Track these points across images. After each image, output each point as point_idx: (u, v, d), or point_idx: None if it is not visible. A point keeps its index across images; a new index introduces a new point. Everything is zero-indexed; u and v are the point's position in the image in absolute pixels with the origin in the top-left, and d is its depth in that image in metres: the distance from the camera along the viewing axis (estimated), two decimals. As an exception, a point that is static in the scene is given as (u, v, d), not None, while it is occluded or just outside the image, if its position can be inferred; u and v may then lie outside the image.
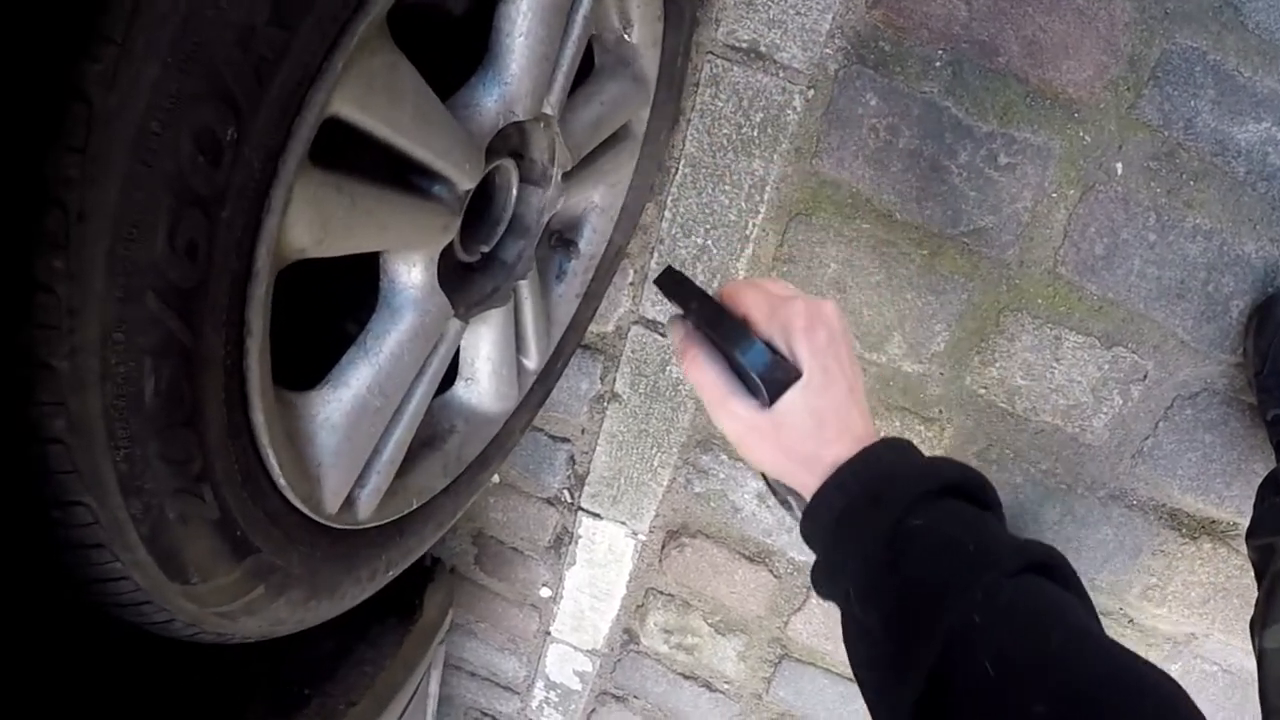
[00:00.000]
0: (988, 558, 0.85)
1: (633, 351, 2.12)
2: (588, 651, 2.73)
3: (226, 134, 0.69)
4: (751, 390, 0.98)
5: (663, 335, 2.09)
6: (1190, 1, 1.55)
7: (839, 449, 0.94)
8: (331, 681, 1.65)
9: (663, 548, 2.42)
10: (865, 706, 0.90)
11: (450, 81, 1.08)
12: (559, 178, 1.37)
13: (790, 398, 0.95)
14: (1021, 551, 0.86)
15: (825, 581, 0.97)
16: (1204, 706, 0.71)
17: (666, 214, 1.94)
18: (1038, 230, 1.77)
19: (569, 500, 2.41)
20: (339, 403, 1.05)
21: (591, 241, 1.69)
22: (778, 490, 1.09)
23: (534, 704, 2.98)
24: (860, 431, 0.96)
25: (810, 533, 0.97)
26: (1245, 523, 1.84)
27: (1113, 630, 2.13)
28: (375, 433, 1.14)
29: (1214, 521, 1.97)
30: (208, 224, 0.70)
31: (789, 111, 1.80)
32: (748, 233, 1.92)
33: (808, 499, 0.97)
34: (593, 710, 2.90)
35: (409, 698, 1.90)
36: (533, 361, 1.61)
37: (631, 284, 2.05)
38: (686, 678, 2.66)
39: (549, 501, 2.45)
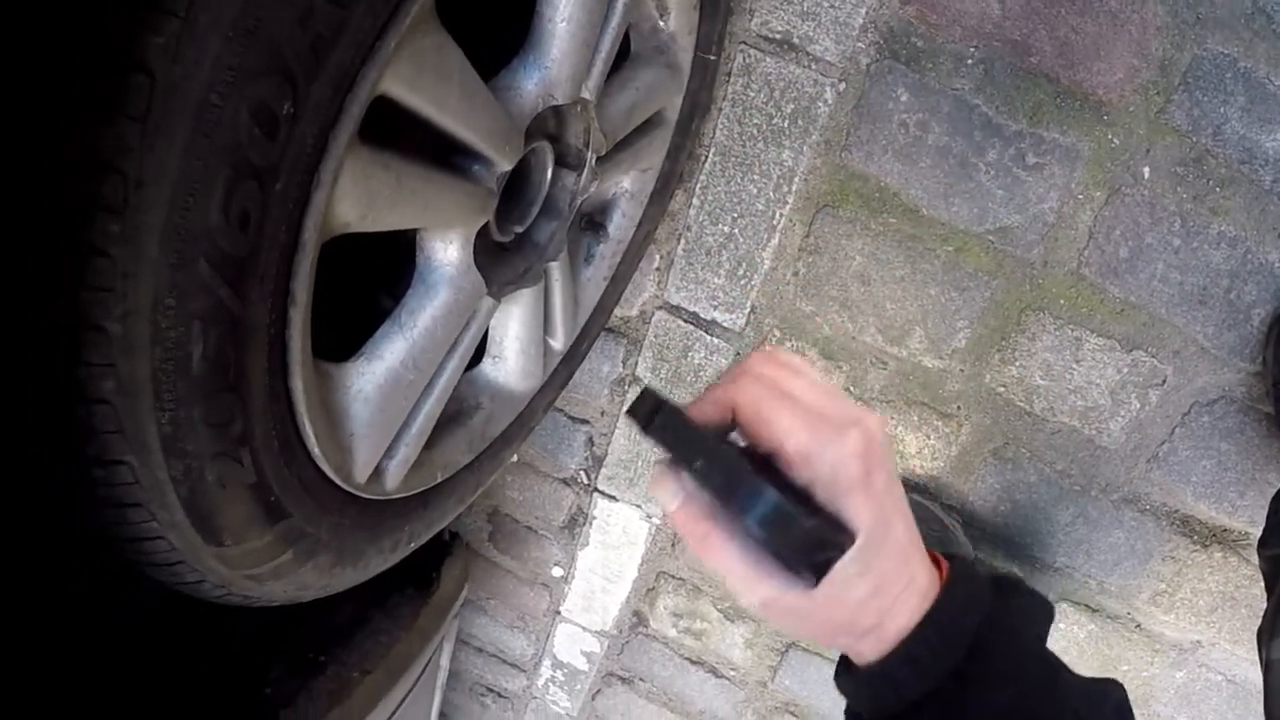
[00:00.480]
0: None
1: (655, 336, 2.14)
2: (596, 632, 2.74)
3: (283, 108, 0.70)
4: (781, 561, 0.77)
5: (686, 322, 2.10)
6: (1222, 7, 1.56)
7: (906, 612, 0.79)
8: (347, 649, 1.67)
9: (676, 532, 2.43)
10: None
11: (488, 64, 1.09)
12: (593, 162, 1.38)
13: (844, 568, 0.75)
14: (1104, 697, 0.83)
15: None
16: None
17: (695, 201, 1.96)
18: (1063, 231, 1.78)
19: (585, 481, 2.43)
20: (373, 375, 1.07)
21: (620, 226, 1.70)
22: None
23: (540, 682, 2.99)
24: (923, 580, 0.81)
25: (863, 699, 0.84)
26: (1257, 532, 1.85)
27: (1120, 635, 2.14)
28: (406, 406, 1.16)
29: (1226, 530, 1.97)
30: (261, 195, 0.72)
31: (820, 104, 1.81)
32: (775, 222, 1.93)
33: (858, 661, 0.84)
34: (598, 691, 2.91)
35: (421, 669, 1.92)
36: (559, 342, 1.63)
37: (657, 269, 2.06)
38: (693, 663, 2.67)
39: (565, 482, 2.47)
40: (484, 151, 1.07)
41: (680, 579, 2.50)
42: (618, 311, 2.11)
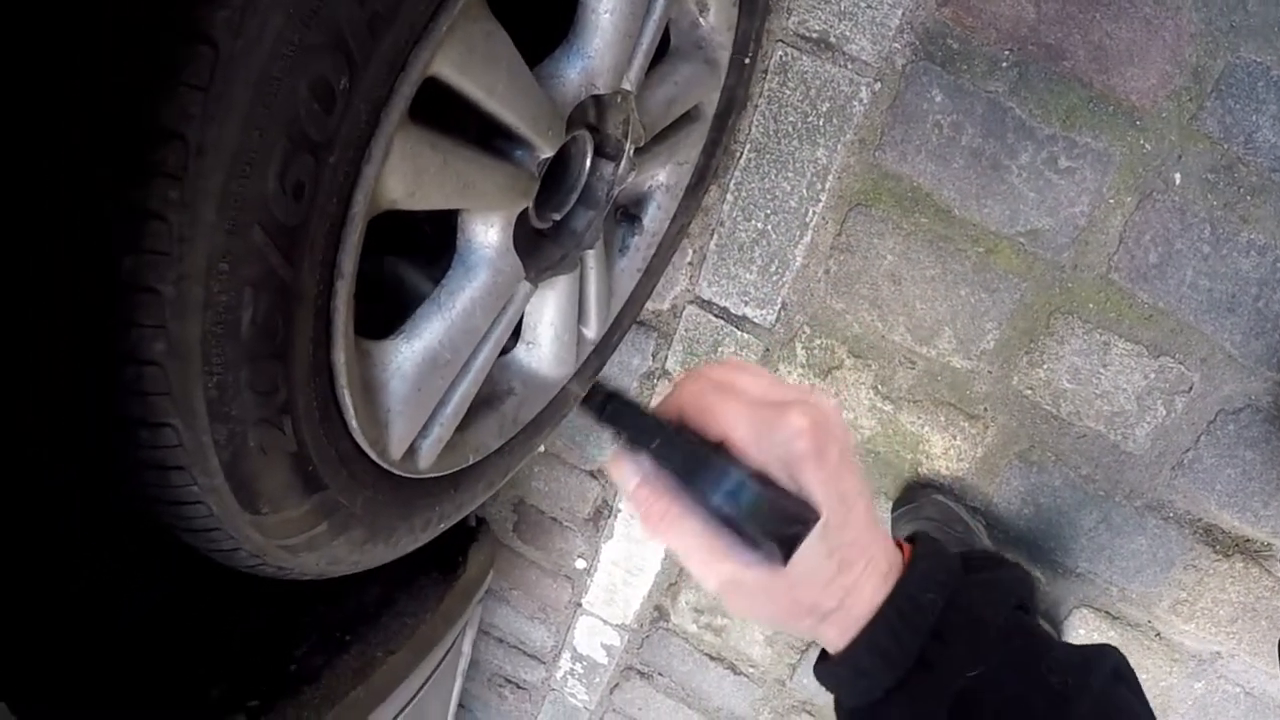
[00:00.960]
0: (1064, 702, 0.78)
1: (686, 330, 2.15)
2: (617, 626, 2.76)
3: (340, 84, 0.72)
4: (745, 539, 0.74)
5: (717, 317, 2.11)
6: (1256, 16, 1.57)
7: (868, 592, 0.79)
8: (373, 629, 1.68)
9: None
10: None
11: (532, 52, 1.11)
12: (631, 153, 1.39)
13: (809, 546, 0.73)
14: (1094, 665, 0.82)
15: None
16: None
17: (729, 197, 1.97)
18: (1093, 235, 1.79)
19: (612, 474, 2.44)
20: (411, 353, 1.09)
21: (655, 218, 1.72)
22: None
23: (559, 674, 3.01)
24: (884, 561, 0.80)
25: (840, 690, 0.85)
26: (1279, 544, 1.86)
27: (1139, 644, 2.14)
28: (442, 385, 1.17)
29: (1248, 540, 1.97)
30: (315, 167, 0.74)
31: (855, 103, 1.82)
32: (807, 220, 1.95)
33: (827, 647, 0.84)
34: (616, 684, 2.92)
35: (445, 652, 1.92)
36: (591, 331, 1.64)
37: (689, 264, 2.08)
38: (712, 659, 2.68)
39: (592, 474, 2.48)
40: (527, 136, 1.09)
41: (702, 574, 2.51)
42: (649, 305, 2.12)
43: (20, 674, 1.04)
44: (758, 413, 0.76)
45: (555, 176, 1.34)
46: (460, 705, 2.72)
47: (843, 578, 0.77)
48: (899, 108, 1.81)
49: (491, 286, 1.17)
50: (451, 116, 0.97)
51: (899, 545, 0.85)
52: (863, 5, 1.75)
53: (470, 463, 1.39)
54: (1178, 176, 1.70)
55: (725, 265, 2.05)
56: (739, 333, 2.10)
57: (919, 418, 2.07)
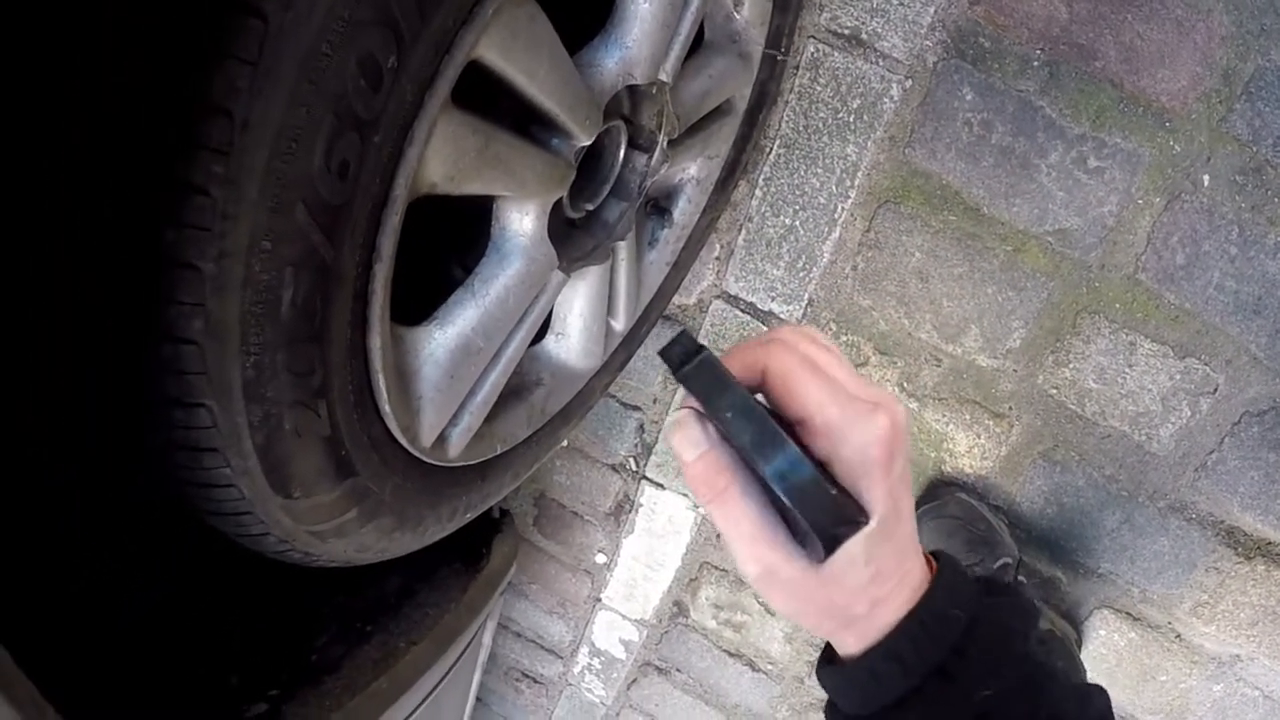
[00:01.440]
0: None
1: (712, 325, 2.15)
2: (636, 621, 2.76)
3: (388, 62, 0.72)
4: (794, 531, 0.77)
5: (743, 312, 2.11)
6: (1288, 19, 1.57)
7: (896, 604, 0.78)
8: (395, 620, 1.68)
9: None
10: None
11: (570, 41, 1.11)
12: (664, 144, 1.39)
13: (851, 549, 0.74)
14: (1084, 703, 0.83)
15: None
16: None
17: (758, 192, 1.97)
18: (1121, 235, 1.78)
19: (634, 468, 2.44)
20: (444, 340, 1.09)
21: (685, 212, 1.71)
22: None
23: (576, 669, 3.01)
24: (916, 576, 0.80)
25: (846, 693, 0.83)
26: (1302, 547, 1.85)
27: (1159, 645, 2.13)
28: (474, 373, 1.17)
29: (1270, 543, 1.96)
30: (360, 146, 0.74)
31: (886, 100, 1.82)
32: (836, 216, 1.94)
33: (841, 652, 0.83)
34: (633, 680, 2.92)
35: (466, 644, 1.92)
36: (620, 323, 1.64)
37: (717, 258, 2.07)
38: (731, 655, 2.68)
39: (614, 468, 2.48)
40: (566, 125, 1.09)
41: (723, 570, 2.51)
42: (676, 299, 2.12)
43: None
44: (845, 408, 0.74)
45: (589, 166, 1.35)
46: (477, 699, 2.72)
47: (875, 587, 0.76)
48: (929, 105, 1.80)
49: (525, 275, 1.17)
50: (490, 102, 0.97)
51: (926, 559, 0.84)
52: (895, 2, 1.75)
53: (498, 453, 1.39)
54: (1206, 178, 1.70)
55: (753, 260, 2.05)
56: (765, 328, 2.10)
57: (944, 415, 2.06)
